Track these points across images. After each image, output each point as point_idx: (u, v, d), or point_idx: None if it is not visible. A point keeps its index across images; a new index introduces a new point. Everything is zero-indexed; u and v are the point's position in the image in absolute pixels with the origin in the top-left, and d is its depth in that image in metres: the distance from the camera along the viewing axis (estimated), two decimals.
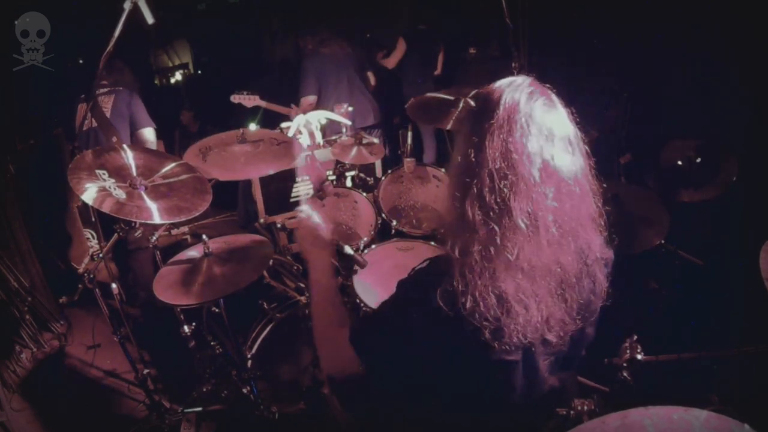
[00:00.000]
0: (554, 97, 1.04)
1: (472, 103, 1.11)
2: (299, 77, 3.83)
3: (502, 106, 0.99)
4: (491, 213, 0.96)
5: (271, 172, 2.40)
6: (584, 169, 1.04)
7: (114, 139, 2.92)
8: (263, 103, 4.07)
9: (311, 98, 3.80)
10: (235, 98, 4.04)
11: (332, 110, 3.42)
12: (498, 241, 0.95)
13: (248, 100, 4.04)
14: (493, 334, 0.95)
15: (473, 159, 0.99)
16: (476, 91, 1.28)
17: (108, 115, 2.97)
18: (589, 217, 1.04)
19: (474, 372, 1.05)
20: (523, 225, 0.95)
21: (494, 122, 0.98)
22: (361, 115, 3.87)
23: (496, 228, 0.95)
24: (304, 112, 3.62)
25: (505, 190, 0.95)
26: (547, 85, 1.06)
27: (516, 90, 1.01)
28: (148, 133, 3.11)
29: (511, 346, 0.98)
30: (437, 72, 4.73)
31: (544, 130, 0.98)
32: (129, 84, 3.15)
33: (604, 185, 1.10)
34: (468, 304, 0.95)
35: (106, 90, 3.01)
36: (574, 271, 1.02)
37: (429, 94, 2.89)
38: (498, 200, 0.95)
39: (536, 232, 0.96)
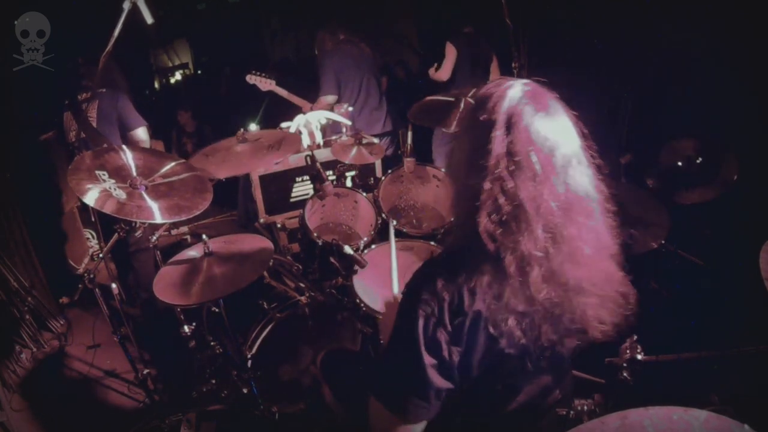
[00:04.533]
0: (550, 98, 1.05)
1: (472, 101, 1.11)
2: (320, 75, 3.67)
3: (495, 102, 1.01)
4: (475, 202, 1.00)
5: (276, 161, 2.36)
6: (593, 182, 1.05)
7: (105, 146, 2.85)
8: (279, 90, 3.78)
9: (330, 98, 3.65)
10: (251, 78, 3.76)
11: (332, 110, 3.41)
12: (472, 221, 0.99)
13: (264, 83, 3.76)
14: (493, 319, 0.99)
15: (465, 154, 1.04)
16: (474, 90, 1.29)
17: (95, 124, 2.85)
18: (603, 248, 1.05)
19: (484, 365, 1.05)
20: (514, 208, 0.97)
21: (486, 118, 1.00)
22: (374, 121, 3.75)
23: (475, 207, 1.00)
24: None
25: (510, 182, 0.97)
26: (544, 80, 1.08)
27: (511, 87, 1.03)
28: (141, 133, 3.00)
29: (511, 337, 1.00)
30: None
31: (543, 133, 0.98)
32: (114, 84, 2.96)
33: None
34: (463, 286, 0.99)
35: (89, 94, 2.86)
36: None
37: (428, 98, 2.80)
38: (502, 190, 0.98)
39: (535, 219, 0.97)
